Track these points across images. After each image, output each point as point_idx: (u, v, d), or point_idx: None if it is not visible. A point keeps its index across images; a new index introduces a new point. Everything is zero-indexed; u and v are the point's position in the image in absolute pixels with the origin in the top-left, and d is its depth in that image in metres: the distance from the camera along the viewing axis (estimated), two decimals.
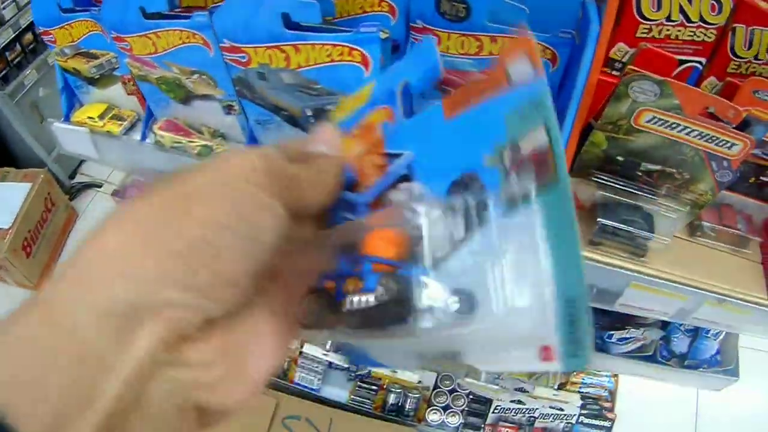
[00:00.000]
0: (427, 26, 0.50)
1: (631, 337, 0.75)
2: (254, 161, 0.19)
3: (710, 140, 0.46)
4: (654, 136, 0.46)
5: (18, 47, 1.63)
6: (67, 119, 0.69)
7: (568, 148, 0.48)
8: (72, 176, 2.01)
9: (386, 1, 0.50)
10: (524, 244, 0.19)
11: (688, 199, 0.54)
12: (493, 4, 0.46)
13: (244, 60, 0.50)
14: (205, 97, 0.58)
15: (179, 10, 0.52)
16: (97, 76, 0.65)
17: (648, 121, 0.45)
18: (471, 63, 0.52)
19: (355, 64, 0.47)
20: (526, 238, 0.19)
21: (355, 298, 0.21)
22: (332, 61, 0.47)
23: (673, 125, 0.45)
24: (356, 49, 0.46)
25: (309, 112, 0.51)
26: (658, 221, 0.55)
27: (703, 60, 0.51)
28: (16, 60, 1.63)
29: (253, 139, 0.61)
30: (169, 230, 0.17)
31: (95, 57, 0.62)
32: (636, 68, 0.41)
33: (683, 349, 0.83)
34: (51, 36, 0.61)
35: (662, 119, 0.44)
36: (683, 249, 0.61)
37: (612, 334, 0.74)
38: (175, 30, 0.50)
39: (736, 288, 0.61)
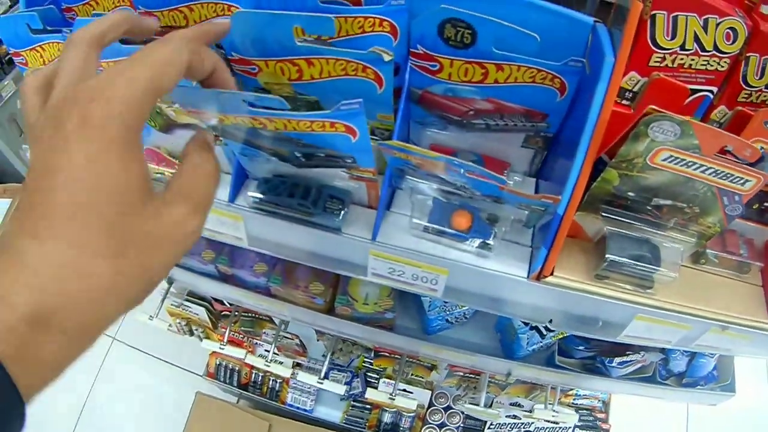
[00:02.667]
0: (428, 52, 0.46)
1: (631, 360, 0.74)
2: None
3: (725, 177, 0.45)
4: (668, 174, 0.44)
5: None
6: None
7: (578, 182, 0.45)
8: None
9: (388, 21, 0.46)
10: None
11: (695, 230, 0.53)
12: (500, 30, 0.43)
13: (255, 71, 0.48)
14: (187, 126, 0.54)
15: None
16: None
17: (664, 160, 0.42)
18: (474, 90, 0.50)
19: (369, 80, 0.46)
20: None
21: None
22: (346, 74, 0.46)
23: (689, 163, 0.43)
24: (369, 67, 0.44)
25: (298, 154, 0.48)
26: (664, 253, 0.53)
27: (715, 89, 0.49)
28: None
29: (241, 169, 0.57)
30: None
31: None
32: (655, 108, 0.38)
33: (682, 368, 0.82)
34: (22, 58, 0.57)
35: (679, 158, 0.42)
36: (687, 278, 0.59)
37: (613, 360, 0.73)
38: None
39: (738, 314, 0.59)
